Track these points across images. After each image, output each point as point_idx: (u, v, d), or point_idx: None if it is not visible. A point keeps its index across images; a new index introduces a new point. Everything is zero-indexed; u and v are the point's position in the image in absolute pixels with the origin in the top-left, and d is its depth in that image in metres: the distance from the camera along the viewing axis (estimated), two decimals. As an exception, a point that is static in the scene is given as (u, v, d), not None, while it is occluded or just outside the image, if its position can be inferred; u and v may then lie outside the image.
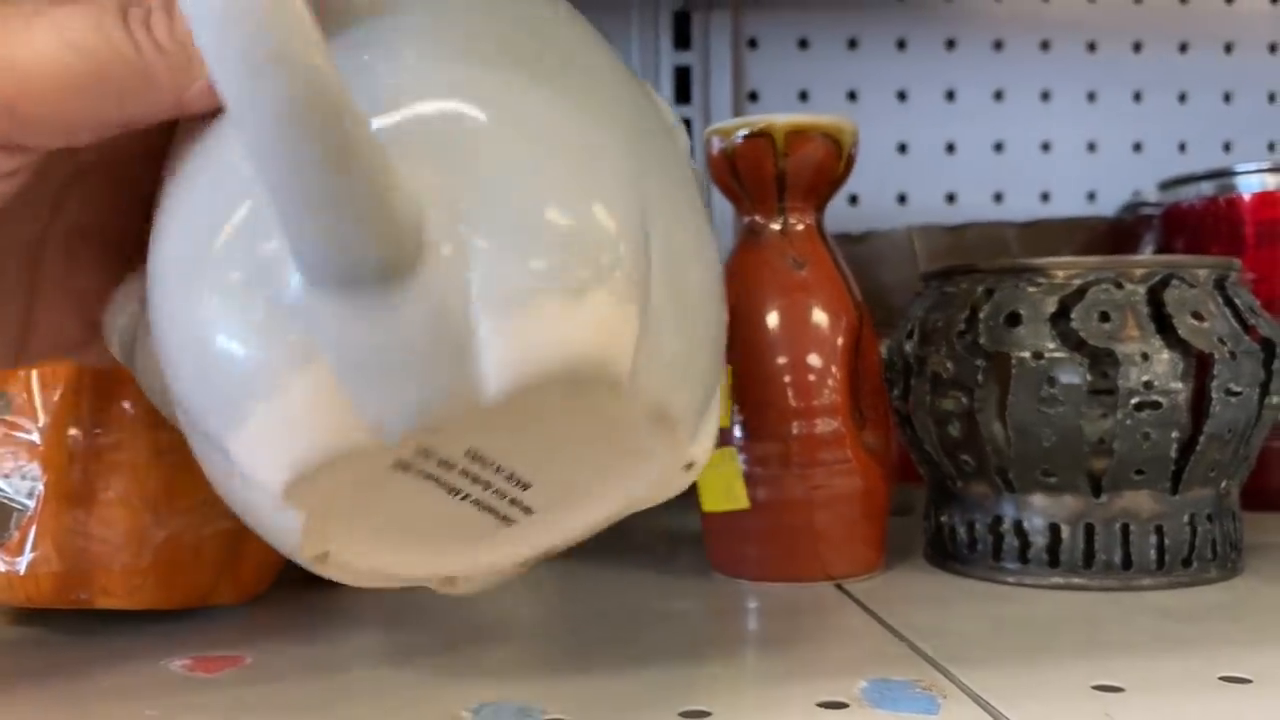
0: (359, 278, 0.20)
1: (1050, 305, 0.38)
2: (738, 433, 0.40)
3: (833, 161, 0.41)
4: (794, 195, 0.41)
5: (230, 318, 0.21)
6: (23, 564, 0.34)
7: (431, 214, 0.20)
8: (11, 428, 0.35)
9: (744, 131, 0.41)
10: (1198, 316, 0.38)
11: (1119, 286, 0.38)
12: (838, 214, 0.74)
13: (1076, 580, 0.39)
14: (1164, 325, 0.38)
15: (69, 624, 0.37)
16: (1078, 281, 0.38)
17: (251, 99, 0.18)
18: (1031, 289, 0.39)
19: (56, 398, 0.35)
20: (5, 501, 0.34)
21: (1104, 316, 0.38)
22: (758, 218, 0.42)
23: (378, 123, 0.21)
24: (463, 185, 0.20)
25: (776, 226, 0.41)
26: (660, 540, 0.50)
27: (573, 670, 0.31)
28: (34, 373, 0.35)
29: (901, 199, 0.75)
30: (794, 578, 0.40)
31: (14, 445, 0.35)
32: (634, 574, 0.43)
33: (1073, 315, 0.38)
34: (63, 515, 0.34)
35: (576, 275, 0.20)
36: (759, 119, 0.40)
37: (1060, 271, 0.39)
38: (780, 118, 0.40)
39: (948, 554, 0.42)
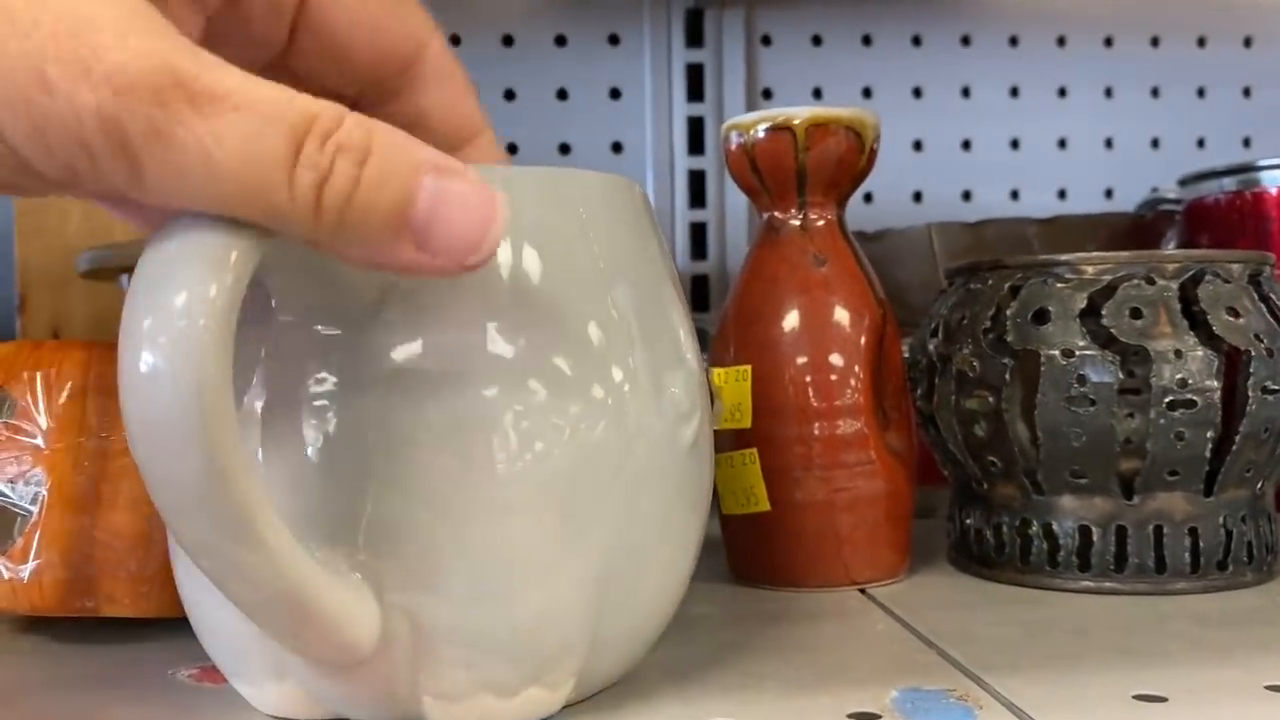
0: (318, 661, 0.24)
1: (1079, 302, 0.37)
2: (758, 434, 0.39)
3: (854, 155, 0.40)
4: (815, 190, 0.40)
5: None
6: (26, 571, 0.33)
7: (393, 609, 0.23)
8: (15, 431, 0.34)
9: (764, 126, 0.40)
10: (1232, 312, 0.37)
11: (1150, 282, 0.37)
12: (853, 213, 0.72)
13: (1108, 584, 0.38)
14: (1196, 322, 0.37)
15: (74, 633, 0.36)
16: (1108, 277, 0.37)
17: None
18: (1060, 285, 0.38)
19: (62, 400, 0.34)
20: (8, 507, 0.33)
21: (1135, 313, 0.36)
22: (777, 214, 0.41)
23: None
24: (427, 600, 0.24)
25: (797, 223, 0.41)
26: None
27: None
28: (38, 374, 0.34)
29: (917, 197, 0.74)
30: (816, 583, 0.39)
31: (18, 449, 0.34)
32: (651, 579, 0.42)
33: (1103, 312, 0.37)
34: (67, 521, 0.33)
35: (514, 680, 0.25)
36: (779, 112, 0.40)
37: (1090, 267, 0.38)
38: (801, 110, 0.39)
39: (973, 557, 0.41)
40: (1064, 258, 0.38)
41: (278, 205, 0.19)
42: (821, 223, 0.41)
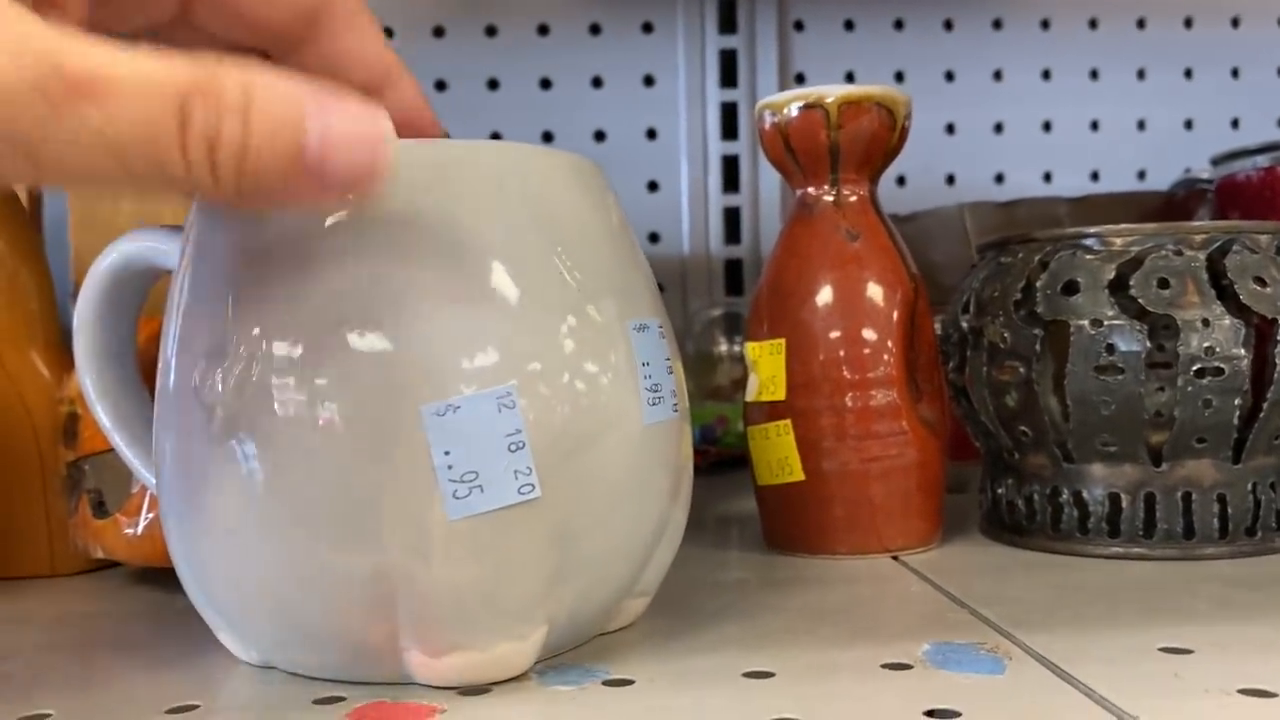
0: None
1: (1108, 273, 0.38)
2: (792, 406, 0.40)
3: (886, 132, 0.41)
4: (847, 167, 0.41)
5: None
6: (140, 526, 0.36)
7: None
8: None
9: (798, 105, 0.41)
10: (1259, 282, 0.37)
11: (1178, 253, 0.38)
12: (886, 195, 0.73)
13: (1136, 550, 0.38)
14: (1224, 292, 0.37)
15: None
16: (1136, 249, 0.38)
17: None
18: (1089, 257, 0.38)
19: None
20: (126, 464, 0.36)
21: (1163, 283, 0.37)
22: (811, 190, 0.42)
23: None
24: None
25: (830, 199, 0.41)
26: (711, 521, 0.50)
27: (636, 639, 0.31)
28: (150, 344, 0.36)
29: (950, 180, 0.75)
30: (850, 550, 0.40)
31: None
32: (686, 550, 0.43)
33: (1131, 282, 0.37)
34: None
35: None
36: (811, 91, 0.40)
37: (1118, 239, 0.38)
38: (833, 89, 0.40)
39: (1005, 526, 0.42)
40: (1093, 230, 0.39)
41: (175, 175, 0.20)
42: (854, 199, 0.41)
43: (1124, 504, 0.39)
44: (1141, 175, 0.76)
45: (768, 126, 0.42)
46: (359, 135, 0.21)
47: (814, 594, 0.36)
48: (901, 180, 0.74)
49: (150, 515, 0.36)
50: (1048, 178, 0.75)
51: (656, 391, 0.28)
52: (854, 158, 0.41)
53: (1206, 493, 0.38)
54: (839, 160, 0.41)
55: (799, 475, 0.40)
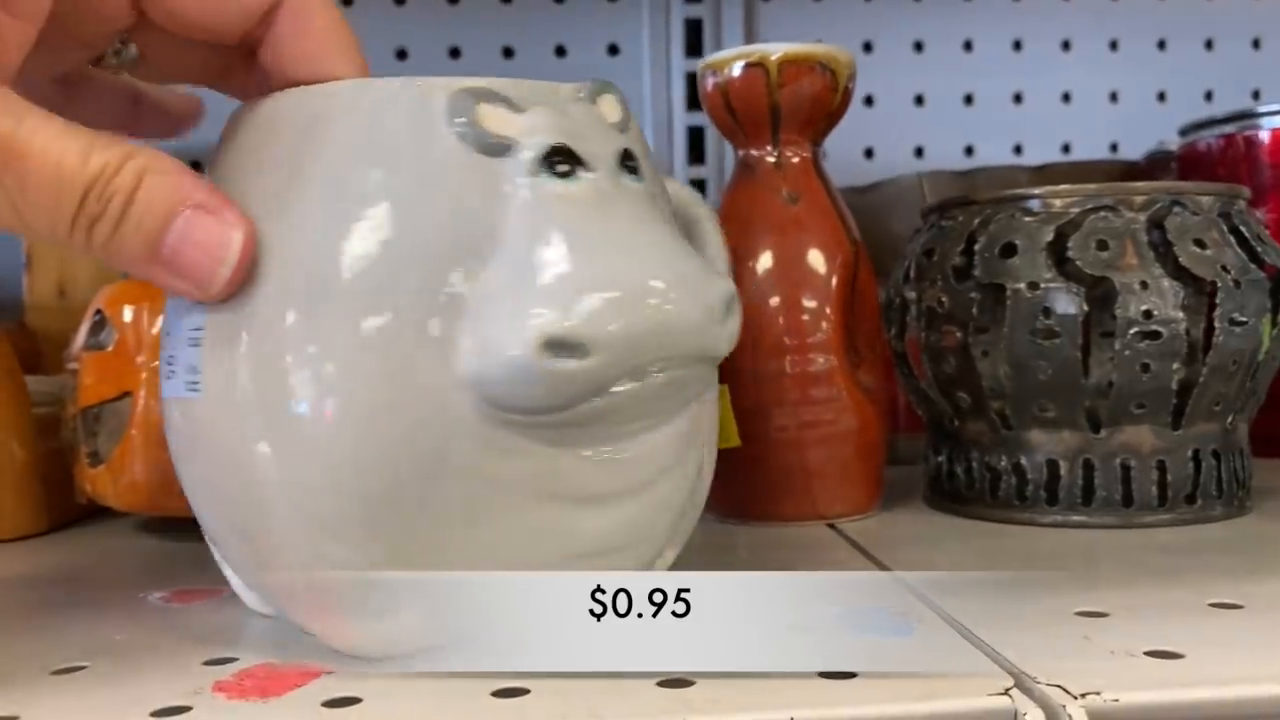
0: None
1: (1047, 235, 0.37)
2: (730, 371, 0.40)
3: (829, 93, 0.40)
4: (789, 128, 0.40)
5: None
6: (124, 476, 0.39)
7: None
8: (117, 354, 0.39)
9: (739, 63, 0.40)
10: (1200, 244, 0.37)
11: (1118, 214, 0.37)
12: (853, 167, 0.73)
13: (1075, 518, 0.38)
14: (1165, 254, 0.37)
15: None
16: (1075, 210, 0.37)
17: None
18: (1028, 219, 0.38)
19: (154, 332, 0.39)
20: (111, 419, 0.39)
21: (1102, 245, 0.36)
22: (752, 151, 0.41)
23: None
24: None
25: (771, 160, 0.41)
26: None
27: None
28: (136, 308, 0.39)
29: (919, 152, 0.74)
30: (787, 517, 0.40)
31: (116, 372, 0.39)
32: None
33: (1070, 244, 0.37)
34: (154, 434, 0.38)
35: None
36: (753, 49, 0.40)
37: (1058, 200, 0.37)
38: (775, 47, 0.39)
39: (945, 495, 0.41)
40: (1034, 191, 0.38)
41: (60, 236, 0.23)
42: (796, 160, 0.41)
43: (1062, 471, 0.38)
44: (1114, 148, 0.75)
45: (709, 86, 0.41)
46: (210, 245, 0.24)
47: (736, 559, 0.35)
48: (870, 153, 0.73)
49: (133, 466, 0.39)
50: (1018, 150, 0.74)
51: (170, 364, 0.27)
52: (796, 119, 0.40)
53: (1146, 460, 0.37)
54: (780, 121, 0.40)
55: (735, 441, 0.40)
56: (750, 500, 0.40)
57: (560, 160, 0.24)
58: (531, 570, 0.25)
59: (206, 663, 0.26)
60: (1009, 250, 0.37)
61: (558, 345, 0.23)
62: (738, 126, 0.41)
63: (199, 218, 0.24)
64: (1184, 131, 0.58)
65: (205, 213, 0.24)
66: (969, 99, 0.74)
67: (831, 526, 0.39)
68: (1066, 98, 0.74)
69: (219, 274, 0.24)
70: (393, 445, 0.23)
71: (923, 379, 0.41)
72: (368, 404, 0.23)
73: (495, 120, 0.24)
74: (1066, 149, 0.75)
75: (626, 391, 0.24)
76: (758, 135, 0.41)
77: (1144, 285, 0.36)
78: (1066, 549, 0.35)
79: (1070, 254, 0.36)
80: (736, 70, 0.40)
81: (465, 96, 0.24)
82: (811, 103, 0.40)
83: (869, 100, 0.73)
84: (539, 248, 0.24)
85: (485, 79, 0.25)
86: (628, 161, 0.25)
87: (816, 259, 0.40)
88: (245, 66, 0.28)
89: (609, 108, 0.26)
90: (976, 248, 0.38)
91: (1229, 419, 0.38)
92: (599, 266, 0.23)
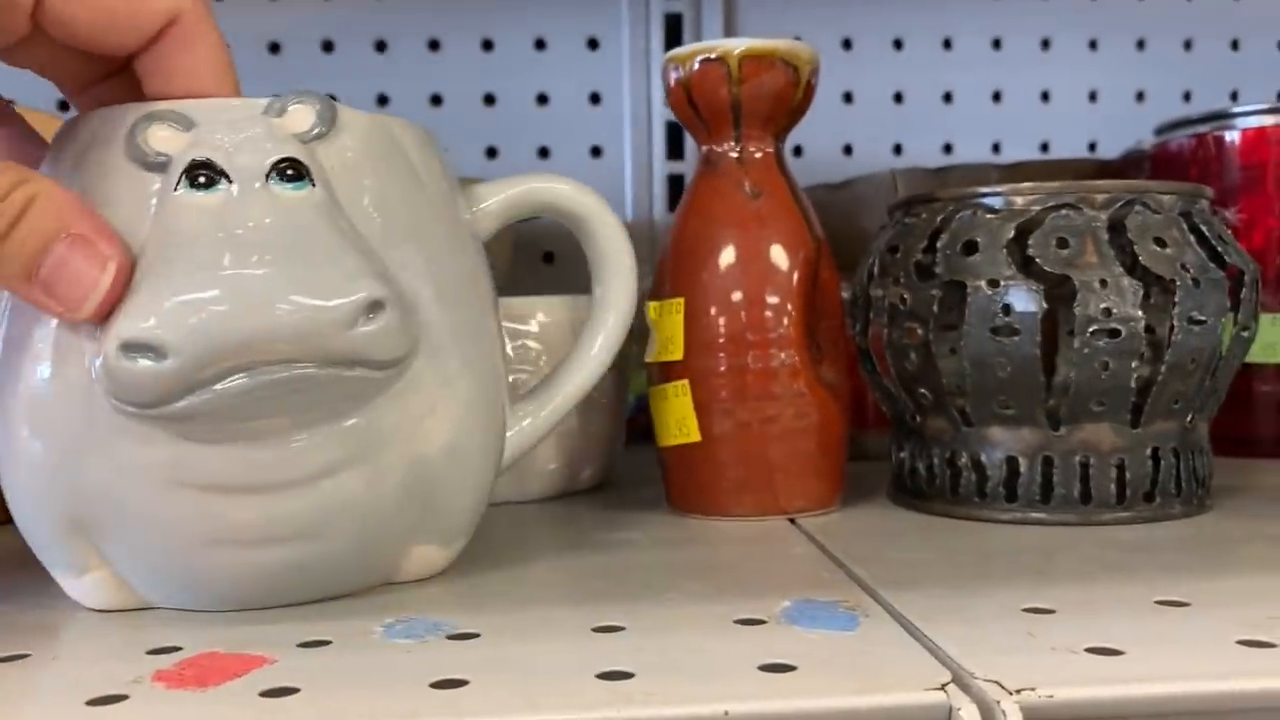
0: None
1: (1008, 232, 0.37)
2: (691, 367, 0.40)
3: (790, 89, 0.40)
4: (751, 123, 0.40)
5: None
6: None
7: None
8: None
9: (700, 58, 0.40)
10: (1160, 243, 0.37)
11: (1079, 212, 0.37)
12: (832, 164, 0.73)
13: (1034, 515, 0.38)
14: (1126, 253, 0.37)
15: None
16: (1037, 208, 0.37)
17: None
18: (990, 216, 0.38)
19: None
20: None
21: (1062, 243, 0.36)
22: (715, 146, 0.41)
23: None
24: None
25: (734, 155, 0.41)
26: (628, 485, 0.49)
27: (500, 592, 0.31)
28: None
29: (897, 150, 0.74)
30: (747, 512, 0.40)
31: None
32: (587, 510, 0.43)
33: (1030, 242, 0.37)
34: None
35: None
36: (714, 44, 0.40)
37: (1020, 198, 0.37)
38: (737, 42, 0.39)
39: (908, 491, 0.41)
40: (997, 189, 0.38)
41: None
42: (759, 156, 0.41)
43: (1022, 468, 0.38)
44: (1092, 147, 0.75)
45: (672, 81, 0.41)
46: (81, 274, 0.25)
47: (696, 553, 0.35)
48: (848, 150, 0.73)
49: None
50: (997, 148, 0.74)
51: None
52: (758, 114, 0.40)
53: (1105, 457, 0.37)
54: (741, 115, 0.40)
55: (696, 436, 0.40)
56: (712, 495, 0.40)
57: (201, 173, 0.26)
58: (190, 554, 0.28)
59: (151, 651, 0.26)
60: (970, 248, 0.37)
61: (134, 347, 0.25)
62: (700, 121, 0.41)
63: (76, 246, 0.25)
64: (1159, 131, 0.58)
65: (83, 242, 0.25)
66: (948, 97, 0.74)
67: (792, 521, 0.39)
68: (1045, 96, 0.75)
69: (88, 300, 0.26)
70: (52, 430, 0.27)
71: (886, 375, 0.41)
72: (29, 395, 0.27)
73: (160, 139, 0.27)
74: (1045, 148, 0.75)
75: (237, 388, 0.26)
76: (720, 130, 0.41)
77: (1103, 283, 0.36)
78: (1023, 546, 0.35)
79: (1031, 252, 0.36)
80: (697, 65, 0.40)
81: (144, 119, 0.27)
82: (773, 98, 0.40)
83: (848, 97, 0.73)
84: (157, 255, 0.26)
85: (175, 102, 0.28)
86: (286, 170, 0.27)
87: (778, 254, 0.40)
88: (114, 78, 0.30)
89: (298, 118, 0.28)
90: (939, 245, 0.38)
91: (1189, 418, 0.38)
92: (194, 273, 0.25)
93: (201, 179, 0.26)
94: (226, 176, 0.26)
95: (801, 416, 0.39)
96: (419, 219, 0.30)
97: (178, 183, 0.26)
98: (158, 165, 0.27)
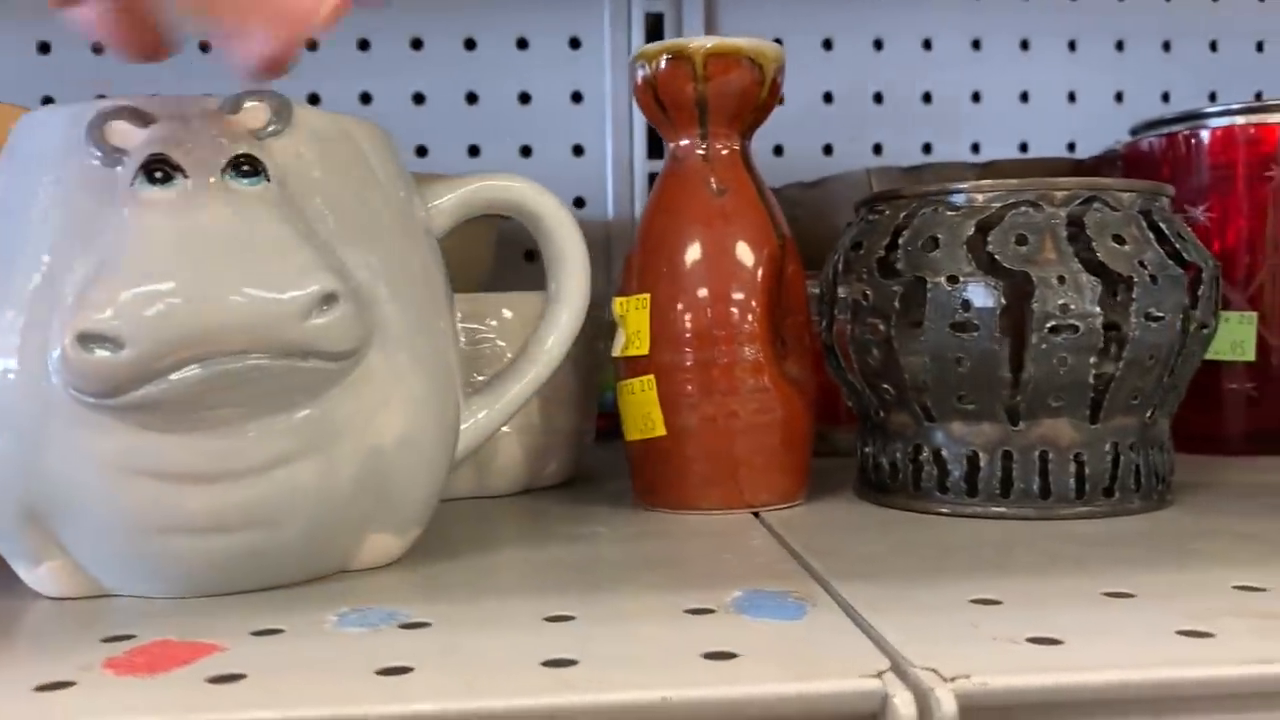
0: None
1: (968, 229, 0.37)
2: (657, 362, 0.40)
3: (756, 87, 0.40)
4: (717, 121, 0.41)
5: None
6: None
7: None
8: None
9: (666, 56, 0.40)
10: (1118, 240, 0.37)
11: (1039, 209, 0.37)
12: (811, 163, 0.73)
13: (995, 509, 0.38)
14: (1085, 250, 0.37)
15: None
16: (997, 205, 0.38)
17: None
18: (951, 213, 0.38)
19: None
20: None
21: (1021, 239, 0.37)
22: (682, 143, 0.41)
23: None
24: None
25: (700, 153, 0.41)
26: (602, 480, 0.49)
27: (457, 583, 0.31)
28: None
29: (877, 149, 0.74)
30: (712, 506, 0.40)
31: None
32: (554, 505, 0.43)
33: (990, 238, 0.37)
34: None
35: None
36: (680, 42, 0.40)
37: (981, 195, 0.38)
38: (702, 40, 0.40)
39: (872, 485, 0.42)
40: (960, 186, 0.38)
41: None
42: (725, 153, 0.41)
43: (982, 463, 0.38)
44: (1071, 147, 0.75)
45: (639, 79, 0.41)
46: None
47: (657, 546, 0.35)
48: (828, 149, 0.74)
49: None
50: (976, 148, 0.75)
51: None
52: (723, 111, 0.40)
53: (1064, 452, 0.38)
54: (707, 113, 0.40)
55: (661, 430, 0.40)
56: (677, 489, 0.40)
57: (158, 168, 0.27)
58: (145, 541, 0.28)
59: (104, 639, 0.26)
60: (931, 244, 0.38)
61: (90, 338, 0.25)
62: (666, 118, 0.41)
63: None
64: (1134, 131, 0.59)
65: None
66: (928, 97, 0.74)
67: (756, 515, 0.40)
68: (1025, 97, 0.75)
69: None
70: (9, 421, 0.27)
71: (851, 371, 0.41)
72: None
73: (119, 135, 0.28)
74: (1024, 148, 0.75)
75: (192, 379, 0.26)
76: (686, 127, 0.41)
77: (1061, 280, 0.36)
78: (982, 539, 0.35)
79: (990, 248, 0.37)
80: (664, 63, 0.40)
81: (101, 116, 0.28)
82: (738, 96, 0.40)
83: (828, 97, 0.73)
84: (114, 248, 0.26)
85: (134, 97, 0.28)
86: (243, 165, 0.27)
87: (744, 251, 0.40)
88: None
89: (253, 115, 0.29)
90: (901, 241, 0.38)
91: (1148, 413, 0.39)
92: (149, 265, 0.26)
93: (158, 174, 0.27)
94: (182, 171, 0.27)
95: (765, 411, 0.40)
96: (373, 215, 0.30)
97: (135, 177, 0.27)
98: (115, 160, 0.27)
